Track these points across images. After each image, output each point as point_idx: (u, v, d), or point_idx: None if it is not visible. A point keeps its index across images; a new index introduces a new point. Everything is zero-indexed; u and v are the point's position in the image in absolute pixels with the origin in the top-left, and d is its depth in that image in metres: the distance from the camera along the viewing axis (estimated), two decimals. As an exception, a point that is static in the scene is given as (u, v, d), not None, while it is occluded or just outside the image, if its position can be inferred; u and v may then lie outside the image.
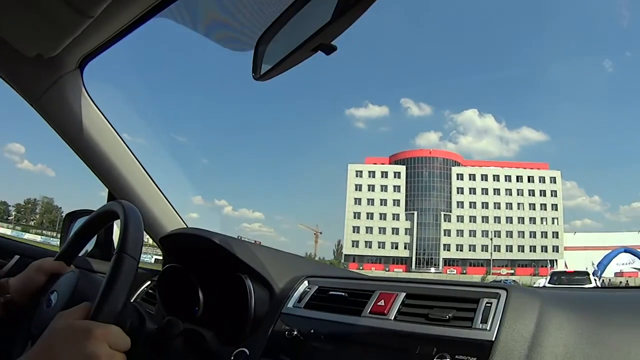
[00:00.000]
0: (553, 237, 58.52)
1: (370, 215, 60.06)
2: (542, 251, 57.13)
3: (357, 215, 60.25)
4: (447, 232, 58.65)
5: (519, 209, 58.87)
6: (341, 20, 0.48)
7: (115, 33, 0.93)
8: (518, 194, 58.99)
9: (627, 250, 20.13)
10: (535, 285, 13.36)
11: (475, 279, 43.54)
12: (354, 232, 60.09)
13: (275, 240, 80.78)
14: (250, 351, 0.78)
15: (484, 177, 59.45)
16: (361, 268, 56.18)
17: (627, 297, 0.70)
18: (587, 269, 16.93)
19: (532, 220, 58.75)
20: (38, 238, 45.32)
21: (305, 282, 0.86)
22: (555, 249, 57.52)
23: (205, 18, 1.09)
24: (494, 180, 59.33)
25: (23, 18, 0.81)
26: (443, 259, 58.23)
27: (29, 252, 1.25)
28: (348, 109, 77.71)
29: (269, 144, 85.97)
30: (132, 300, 1.17)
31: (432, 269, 56.59)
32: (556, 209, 58.90)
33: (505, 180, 59.20)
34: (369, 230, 59.99)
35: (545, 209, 58.68)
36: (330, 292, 0.78)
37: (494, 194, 59.07)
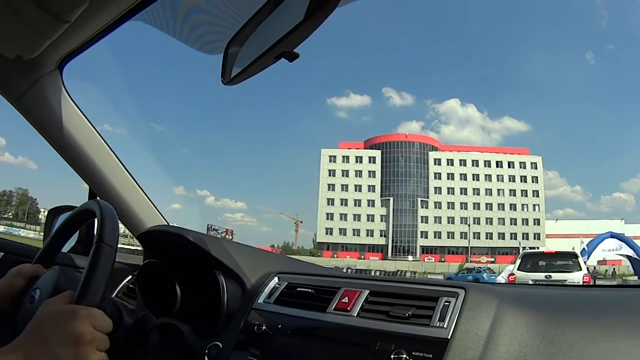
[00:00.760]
0: (534, 224, 57.24)
1: (344, 202, 58.41)
2: (523, 239, 55.67)
3: (330, 201, 58.63)
4: (425, 219, 57.15)
5: (499, 195, 57.48)
6: (301, 29, 0.50)
7: (93, 35, 0.96)
8: (498, 180, 57.52)
9: (613, 235, 15.54)
10: (502, 273, 9.52)
11: (453, 267, 42.00)
12: (327, 219, 58.50)
13: (258, 230, 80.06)
14: (223, 345, 0.82)
15: (463, 162, 57.89)
16: (335, 256, 54.56)
17: (585, 296, 0.73)
18: (573, 248, 12.82)
19: (513, 207, 57.40)
20: (1, 228, 44.47)
21: (276, 279, 0.89)
22: (537, 236, 56.16)
23: (177, 22, 1.14)
24: (472, 165, 57.79)
25: (2, 21, 0.83)
26: (420, 246, 56.80)
27: (13, 249, 1.30)
28: (329, 98, 76.68)
29: (250, 133, 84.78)
30: (113, 295, 1.27)
31: (410, 257, 55.13)
32: (537, 196, 57.56)
33: (485, 166, 57.71)
34: (343, 217, 58.41)
35: (526, 196, 57.33)
36: (298, 289, 0.81)
37: (473, 179, 57.57)
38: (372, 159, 58.38)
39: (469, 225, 56.13)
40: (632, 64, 66.84)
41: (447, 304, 0.61)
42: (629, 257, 14.77)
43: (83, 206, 0.81)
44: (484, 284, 0.69)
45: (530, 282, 7.41)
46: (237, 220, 79.61)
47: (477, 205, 57.42)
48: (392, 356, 0.57)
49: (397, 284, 0.72)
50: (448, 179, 57.65)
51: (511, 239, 56.35)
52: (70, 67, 1.13)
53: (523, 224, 57.15)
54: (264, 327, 0.77)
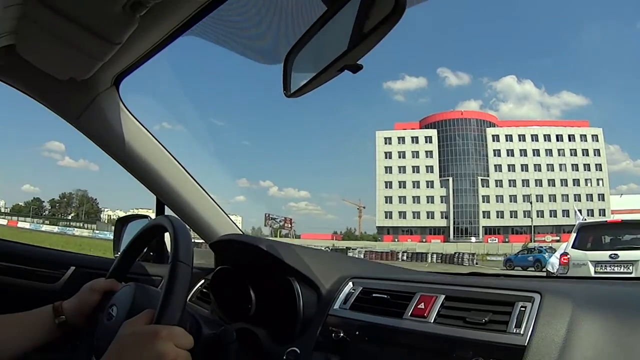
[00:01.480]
0: (599, 199, 54.29)
1: (402, 184, 56.95)
2: (588, 215, 52.78)
3: (388, 184, 57.28)
4: (486, 198, 55.04)
5: (560, 170, 54.86)
6: (366, 42, 0.49)
7: (146, 52, 0.96)
8: (559, 155, 54.99)
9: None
10: (555, 254, 7.13)
11: (516, 247, 39.90)
12: (386, 202, 57.19)
13: (323, 218, 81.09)
14: (301, 350, 0.82)
15: (522, 138, 55.63)
16: (396, 240, 53.04)
17: None
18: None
19: (576, 182, 54.65)
20: (55, 229, 47.16)
21: (350, 284, 0.88)
22: (602, 212, 53.04)
23: (231, 36, 1.13)
24: (532, 140, 55.42)
25: (53, 49, 0.86)
26: (483, 227, 54.64)
27: (84, 262, 1.30)
28: (385, 82, 76.22)
29: (311, 123, 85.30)
30: (187, 299, 1.23)
31: (472, 239, 53.07)
32: (600, 169, 54.67)
33: (545, 140, 55.25)
34: (402, 199, 56.94)
35: (589, 170, 54.50)
36: (374, 294, 0.81)
37: (534, 155, 55.20)
38: (428, 139, 56.82)
39: (531, 203, 53.71)
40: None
41: (523, 309, 0.61)
42: None
43: (154, 222, 0.83)
44: (559, 286, 0.68)
45: (590, 264, 5.70)
46: (302, 209, 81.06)
47: (539, 182, 54.96)
48: None
49: (473, 289, 0.71)
50: (508, 155, 55.44)
51: (576, 215, 53.57)
52: (127, 80, 1.11)
53: (587, 200, 54.26)
54: (341, 334, 0.77)
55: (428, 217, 56.48)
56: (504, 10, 73.50)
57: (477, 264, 33.29)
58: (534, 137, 55.56)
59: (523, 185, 54.98)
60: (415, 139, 57.31)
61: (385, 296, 0.78)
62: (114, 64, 0.98)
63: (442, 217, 56.15)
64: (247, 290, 1.02)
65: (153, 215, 1.37)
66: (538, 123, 58.97)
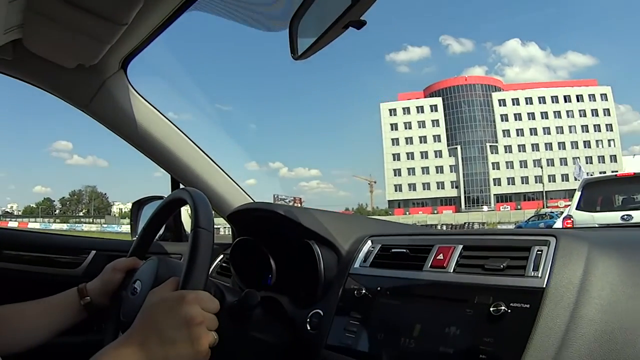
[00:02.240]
0: (611, 161, 52.98)
1: (410, 155, 55.88)
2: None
3: (396, 157, 56.27)
4: (496, 165, 53.88)
5: (570, 132, 53.58)
6: None
7: (152, 31, 0.97)
8: (568, 116, 53.64)
9: None
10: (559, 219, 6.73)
11: (529, 214, 38.72)
12: (395, 175, 56.18)
13: (335, 195, 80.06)
14: (324, 312, 0.84)
15: (529, 101, 54.30)
16: (407, 213, 51.93)
17: None
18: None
19: (587, 143, 53.39)
20: (65, 226, 47.44)
21: (369, 242, 0.89)
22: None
23: (235, 6, 1.14)
24: (539, 102, 54.08)
25: (60, 37, 0.86)
26: (494, 195, 53.56)
27: (104, 245, 1.33)
28: (388, 54, 75.56)
29: (314, 100, 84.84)
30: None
31: (485, 207, 51.97)
32: (611, 130, 53.36)
33: (552, 102, 53.90)
34: (411, 171, 55.92)
35: (600, 131, 53.19)
36: (393, 250, 0.82)
37: (542, 118, 53.91)
38: (433, 107, 55.63)
39: (542, 168, 52.46)
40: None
41: (540, 252, 0.62)
42: None
43: (172, 195, 0.82)
44: (574, 230, 0.70)
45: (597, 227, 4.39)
46: (313, 188, 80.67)
47: (549, 146, 53.72)
48: (491, 309, 0.59)
49: (489, 237, 0.73)
50: (515, 120, 54.18)
51: (575, 169, 52.12)
52: (133, 63, 1.12)
53: (600, 162, 52.91)
54: (363, 291, 0.78)
55: (438, 188, 55.47)
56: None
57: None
58: (541, 100, 54.21)
59: (533, 150, 53.78)
60: (420, 109, 56.09)
61: (404, 250, 0.80)
62: (120, 47, 0.98)
63: (452, 187, 55.09)
64: (267, 259, 1.03)
65: None
66: (544, 85, 57.47)
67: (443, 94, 56.05)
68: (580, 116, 53.51)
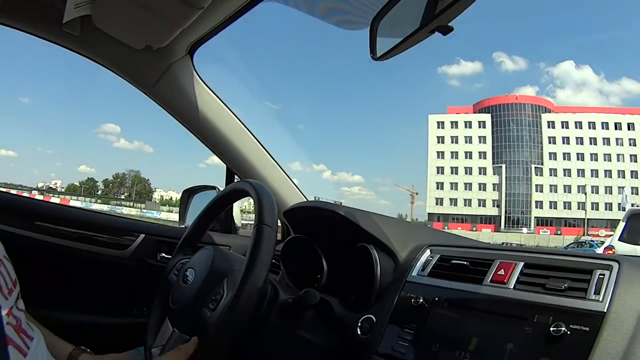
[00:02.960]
0: (658, 194, 51.43)
1: (454, 170, 55.20)
2: (645, 209, 49.98)
3: (440, 170, 55.63)
4: (539, 188, 52.82)
5: (618, 160, 52.21)
6: (462, 1, 0.47)
7: (224, 19, 0.95)
8: (617, 144, 52.32)
9: None
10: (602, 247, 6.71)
11: (568, 240, 37.79)
12: (437, 188, 55.50)
13: (376, 203, 79.84)
14: (377, 318, 0.82)
15: (578, 125, 53.20)
16: (446, 228, 51.20)
17: None
18: None
19: (634, 174, 51.93)
20: (105, 207, 48.30)
21: (428, 251, 0.88)
22: (660, 207, 50.29)
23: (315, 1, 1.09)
24: (589, 127, 52.93)
25: (131, 16, 0.85)
26: (535, 217, 52.46)
27: (153, 230, 1.33)
28: (440, 66, 75.40)
29: (364, 107, 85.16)
30: None
31: (524, 229, 50.89)
32: (661, 161, 51.90)
33: (602, 128, 52.71)
34: (454, 186, 55.17)
35: (649, 161, 51.79)
36: (453, 261, 0.81)
37: (590, 143, 52.70)
38: (481, 124, 54.91)
39: (585, 194, 51.24)
40: None
41: (602, 277, 0.61)
42: None
43: (234, 186, 0.81)
44: (635, 258, 0.68)
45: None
46: (355, 193, 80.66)
47: (595, 172, 52.43)
48: (551, 329, 0.57)
49: (551, 256, 0.71)
50: (563, 143, 53.10)
51: (622, 199, 50.79)
52: (199, 51, 1.12)
53: (646, 194, 51.58)
54: (420, 300, 0.76)
55: (479, 205, 54.63)
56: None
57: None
58: (591, 125, 53.07)
59: (578, 175, 52.57)
60: (468, 124, 55.49)
61: (465, 263, 0.78)
62: (190, 32, 0.96)
63: (493, 206, 54.17)
64: (319, 259, 1.01)
65: (221, 188, 1.36)
66: (595, 110, 56.33)
67: (492, 110, 55.33)
68: (630, 145, 52.15)
